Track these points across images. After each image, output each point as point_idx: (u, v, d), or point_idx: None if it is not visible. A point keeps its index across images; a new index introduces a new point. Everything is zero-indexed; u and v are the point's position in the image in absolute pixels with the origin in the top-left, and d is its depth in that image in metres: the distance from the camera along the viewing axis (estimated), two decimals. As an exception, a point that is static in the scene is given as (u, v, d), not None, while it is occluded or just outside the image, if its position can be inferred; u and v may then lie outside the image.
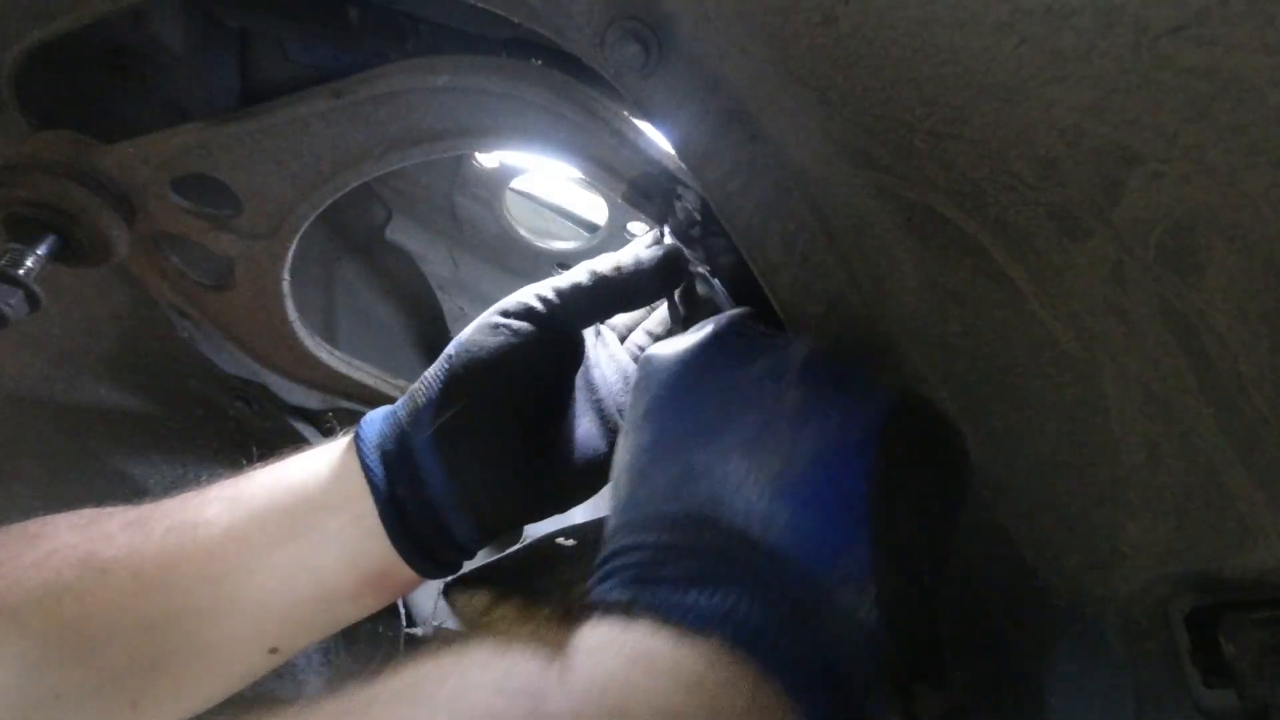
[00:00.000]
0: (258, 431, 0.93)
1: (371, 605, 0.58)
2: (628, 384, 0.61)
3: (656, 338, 0.67)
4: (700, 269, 0.61)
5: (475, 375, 0.55)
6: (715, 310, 0.61)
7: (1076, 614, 0.49)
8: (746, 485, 0.42)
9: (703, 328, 0.51)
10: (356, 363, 0.86)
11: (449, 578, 0.58)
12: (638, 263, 0.59)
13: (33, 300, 0.63)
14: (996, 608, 0.53)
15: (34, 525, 0.56)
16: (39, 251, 0.64)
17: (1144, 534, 0.44)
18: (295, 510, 0.55)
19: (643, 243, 0.65)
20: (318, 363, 0.83)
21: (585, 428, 0.59)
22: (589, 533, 0.95)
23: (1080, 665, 0.49)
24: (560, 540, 0.97)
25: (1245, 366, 0.37)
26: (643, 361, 0.52)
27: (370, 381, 0.86)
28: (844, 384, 0.46)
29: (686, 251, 0.61)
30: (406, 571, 0.55)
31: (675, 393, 0.48)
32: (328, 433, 0.91)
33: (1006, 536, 0.50)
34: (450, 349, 0.57)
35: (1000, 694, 0.53)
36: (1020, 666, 0.52)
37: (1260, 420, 0.38)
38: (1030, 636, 0.51)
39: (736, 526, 0.41)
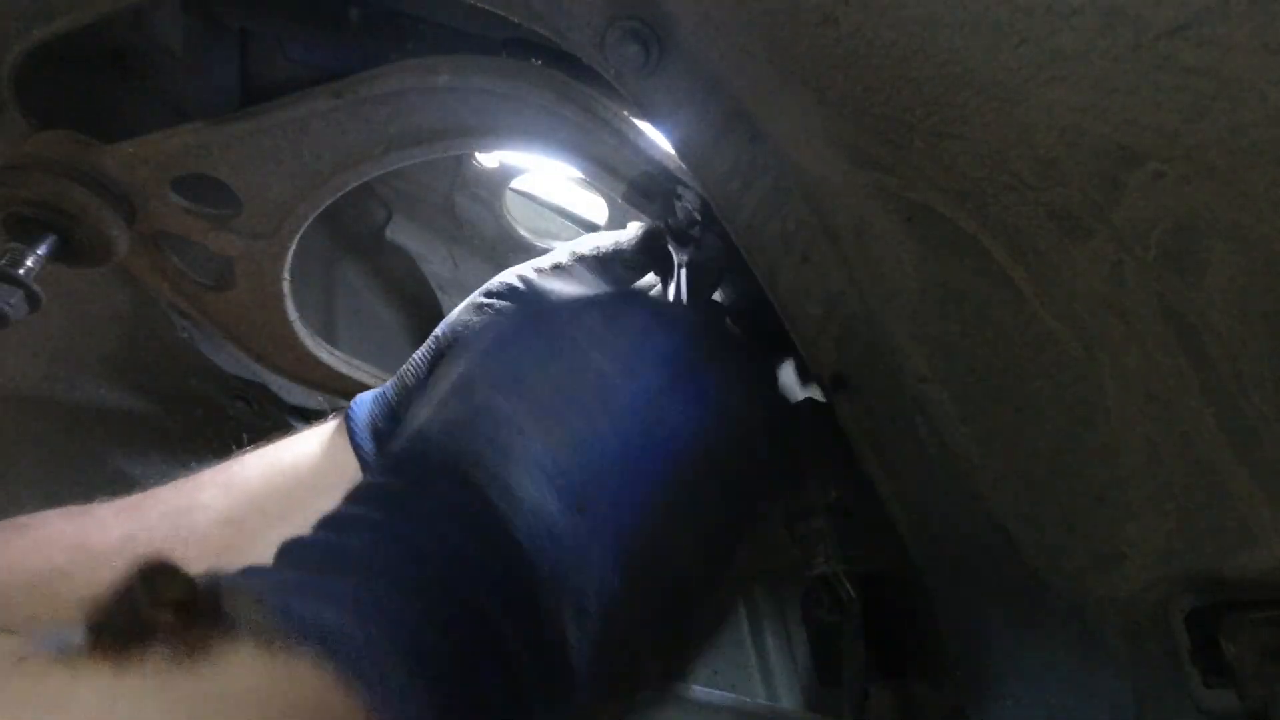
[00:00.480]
0: (258, 431, 0.93)
1: None
2: None
3: None
4: (683, 257, 0.62)
5: None
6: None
7: (1076, 614, 0.49)
8: (429, 402, 0.41)
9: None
10: (356, 362, 0.86)
11: None
12: (617, 244, 0.60)
13: (33, 300, 0.63)
14: (997, 607, 0.53)
15: (24, 518, 0.56)
16: (39, 251, 0.64)
17: (1144, 534, 0.44)
18: (290, 491, 0.55)
19: (633, 229, 0.65)
20: (318, 363, 0.83)
21: None
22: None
23: (1080, 665, 0.49)
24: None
25: (1245, 366, 0.37)
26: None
27: (370, 381, 0.86)
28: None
29: (671, 244, 0.62)
30: None
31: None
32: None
33: (1006, 536, 0.50)
34: (437, 330, 0.58)
35: (1001, 694, 0.53)
36: (1020, 666, 0.52)
37: (1260, 420, 0.38)
38: (1030, 636, 0.51)
39: (404, 450, 0.40)
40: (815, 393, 0.68)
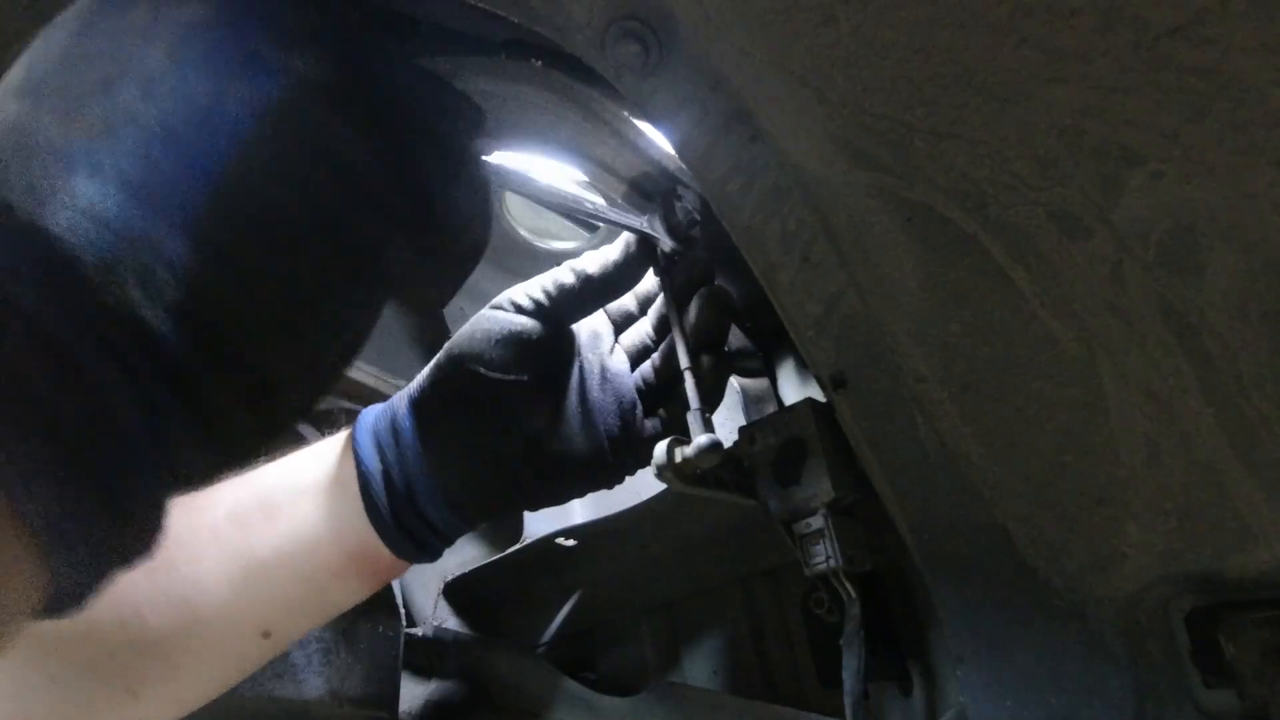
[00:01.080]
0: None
1: (357, 588, 0.59)
2: (620, 403, 0.62)
3: (654, 335, 0.67)
4: (664, 245, 0.63)
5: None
6: (707, 276, 0.63)
7: (1077, 614, 0.49)
8: None
9: None
10: (357, 363, 0.86)
11: (430, 561, 0.60)
12: (605, 260, 0.62)
13: (33, 300, 0.63)
14: (997, 607, 0.53)
15: None
16: (39, 252, 0.64)
17: (1144, 534, 0.44)
18: (296, 488, 0.57)
19: (618, 244, 0.66)
20: (318, 363, 0.83)
21: (569, 431, 0.60)
22: (589, 533, 0.95)
23: (1080, 665, 0.49)
24: (560, 540, 0.97)
25: (1245, 366, 0.37)
26: None
27: (370, 381, 0.86)
28: None
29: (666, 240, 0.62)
30: (386, 552, 0.57)
31: None
32: (328, 433, 0.91)
33: (1006, 536, 0.50)
34: (447, 344, 0.60)
35: (1001, 694, 0.53)
36: (1020, 666, 0.52)
37: (1260, 420, 0.38)
38: (1030, 636, 0.51)
39: None
40: (816, 392, 0.68)
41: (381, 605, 0.89)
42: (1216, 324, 0.37)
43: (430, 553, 0.59)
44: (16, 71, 0.41)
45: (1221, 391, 0.38)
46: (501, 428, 0.57)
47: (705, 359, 0.62)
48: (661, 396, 0.65)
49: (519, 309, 0.60)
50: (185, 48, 0.38)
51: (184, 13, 0.39)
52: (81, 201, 0.34)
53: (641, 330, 0.67)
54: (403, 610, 0.93)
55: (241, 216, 0.37)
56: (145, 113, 0.36)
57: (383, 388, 0.87)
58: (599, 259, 0.62)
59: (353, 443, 0.58)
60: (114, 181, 0.35)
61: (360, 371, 0.86)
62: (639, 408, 0.63)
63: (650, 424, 0.63)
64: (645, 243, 0.62)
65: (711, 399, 0.62)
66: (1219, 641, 0.44)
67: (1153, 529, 0.44)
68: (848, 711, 0.58)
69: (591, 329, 0.65)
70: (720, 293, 0.63)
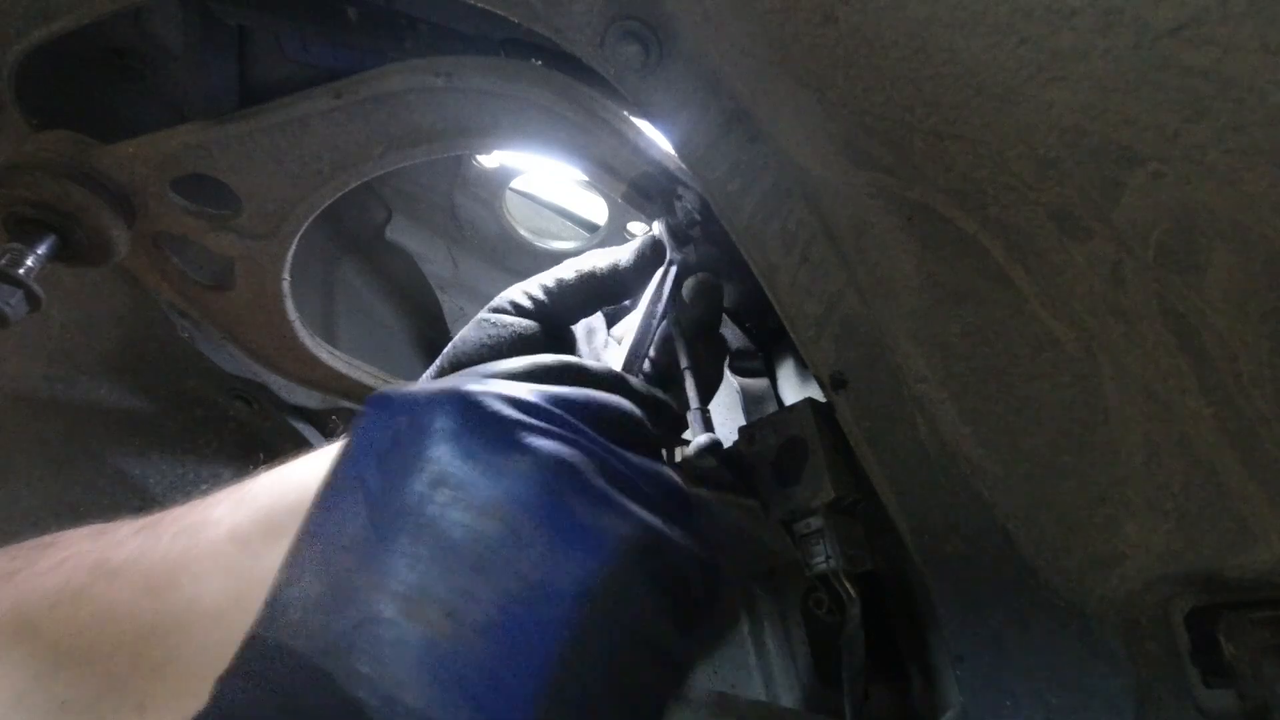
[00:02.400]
0: (258, 431, 0.93)
1: None
2: None
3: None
4: (675, 255, 0.63)
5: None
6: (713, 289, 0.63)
7: (1076, 614, 0.49)
8: None
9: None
10: (356, 363, 0.86)
11: None
12: (615, 261, 0.61)
13: (33, 300, 0.63)
14: (997, 607, 0.53)
15: (48, 537, 0.56)
16: (39, 251, 0.64)
17: (1144, 534, 0.44)
18: (298, 507, 0.55)
19: (631, 246, 0.66)
20: (318, 363, 0.83)
21: None
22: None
23: (1080, 665, 0.49)
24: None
25: (1245, 366, 0.37)
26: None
27: (370, 381, 0.86)
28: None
29: (669, 243, 0.62)
30: None
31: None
32: (329, 433, 0.91)
33: (1006, 536, 0.50)
34: (445, 351, 0.59)
35: (1000, 694, 0.53)
36: (1020, 666, 0.52)
37: (1260, 420, 0.38)
38: (1030, 636, 0.51)
39: None
40: (816, 392, 0.68)
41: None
42: (1216, 324, 0.37)
43: None
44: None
45: (1221, 391, 0.38)
46: None
47: (699, 346, 0.61)
48: (660, 388, 0.65)
49: (519, 310, 0.59)
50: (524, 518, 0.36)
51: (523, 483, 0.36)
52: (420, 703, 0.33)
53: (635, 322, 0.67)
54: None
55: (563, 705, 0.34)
56: (484, 596, 0.34)
57: (383, 388, 0.87)
58: (608, 258, 0.62)
59: None
60: (455, 687, 0.33)
61: (360, 371, 0.86)
62: None
63: None
64: (657, 248, 0.62)
65: (710, 388, 0.62)
66: (1219, 641, 0.43)
67: (1153, 529, 0.44)
68: (847, 711, 0.58)
69: (586, 324, 0.65)
70: (708, 279, 0.63)
